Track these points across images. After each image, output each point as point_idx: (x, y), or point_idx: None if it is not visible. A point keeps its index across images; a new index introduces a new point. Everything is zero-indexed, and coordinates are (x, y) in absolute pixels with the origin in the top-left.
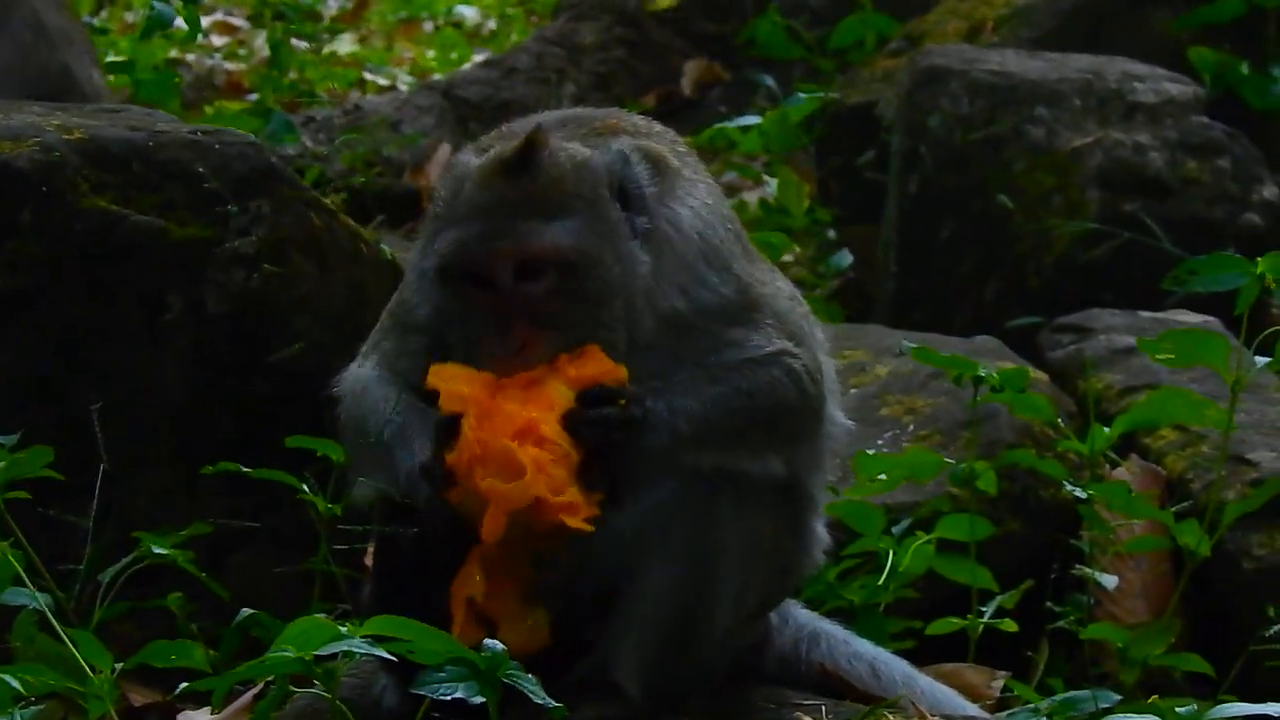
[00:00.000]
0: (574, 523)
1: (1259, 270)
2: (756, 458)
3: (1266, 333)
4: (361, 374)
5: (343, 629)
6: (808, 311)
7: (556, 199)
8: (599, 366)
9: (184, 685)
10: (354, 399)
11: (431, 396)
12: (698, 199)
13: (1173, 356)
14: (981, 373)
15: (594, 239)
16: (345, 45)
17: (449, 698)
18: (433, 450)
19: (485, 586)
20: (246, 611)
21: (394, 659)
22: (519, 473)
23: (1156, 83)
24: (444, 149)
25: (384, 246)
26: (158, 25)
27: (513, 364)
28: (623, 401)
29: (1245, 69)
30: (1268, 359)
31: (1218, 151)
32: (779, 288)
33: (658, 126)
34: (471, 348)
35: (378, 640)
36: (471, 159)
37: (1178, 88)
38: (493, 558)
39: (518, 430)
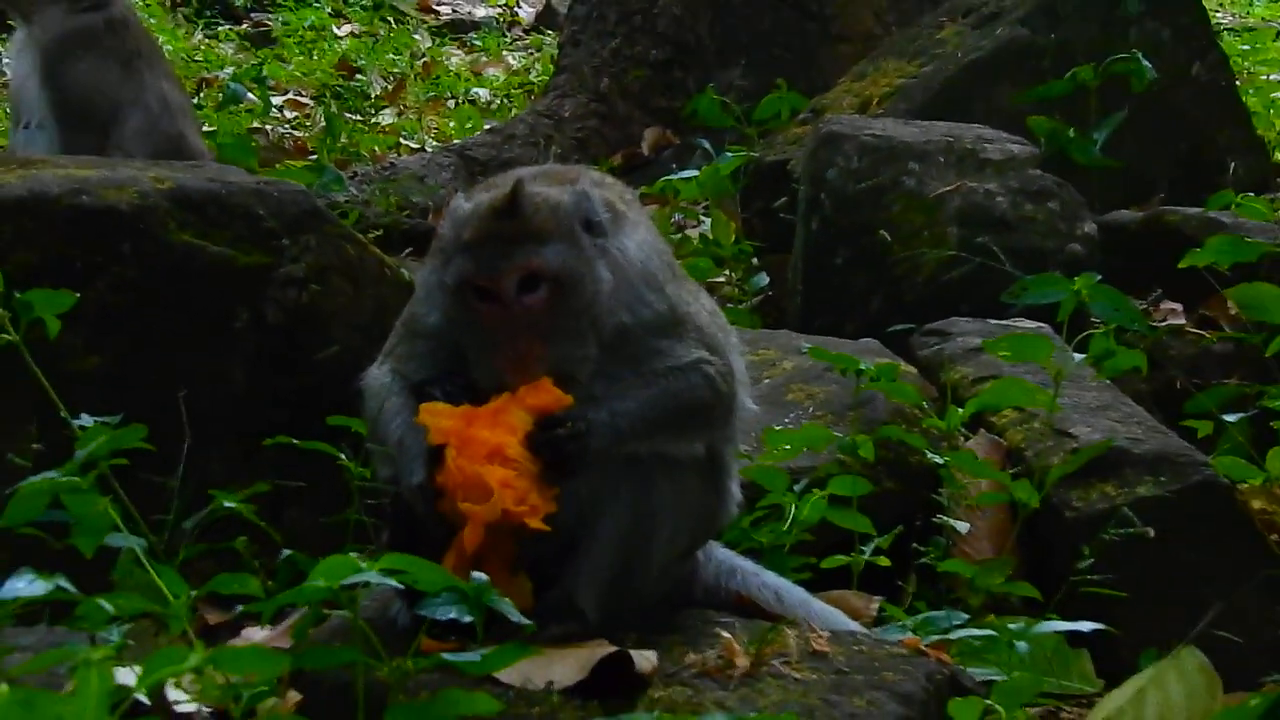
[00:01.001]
0: (534, 524)
1: (1076, 287)
2: (682, 444)
3: (1082, 335)
4: (378, 376)
5: (362, 565)
6: (725, 323)
7: (543, 231)
8: (549, 396)
9: (240, 608)
10: (372, 399)
11: (426, 395)
12: (640, 235)
13: (1009, 354)
14: (863, 366)
15: (575, 261)
16: (387, 118)
17: (445, 618)
18: (425, 473)
19: (472, 564)
20: (287, 552)
21: (403, 588)
22: (489, 493)
23: (1002, 144)
24: (458, 197)
25: (403, 270)
26: (231, 100)
27: (517, 371)
28: (569, 424)
29: (1072, 133)
30: (1083, 355)
31: (1049, 197)
32: (701, 305)
33: (609, 179)
34: (479, 353)
35: (390, 573)
36: (464, 204)
37: (1019, 147)
38: (480, 544)
39: (489, 452)
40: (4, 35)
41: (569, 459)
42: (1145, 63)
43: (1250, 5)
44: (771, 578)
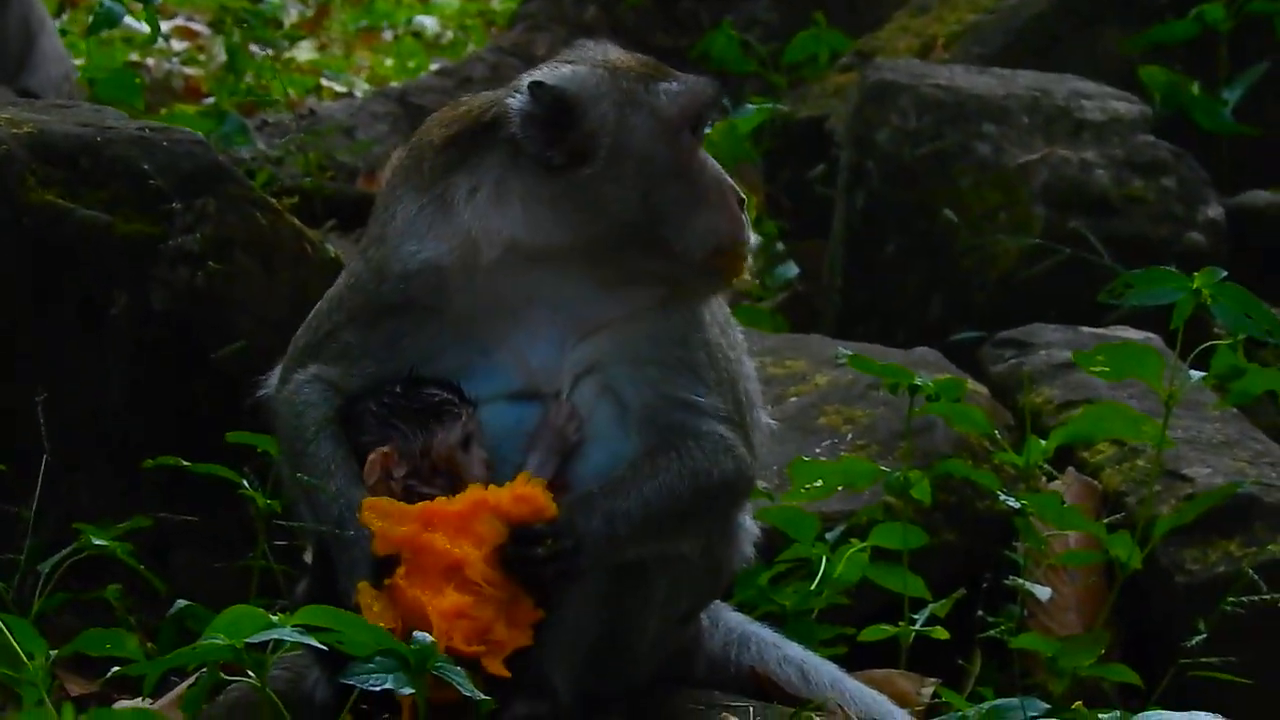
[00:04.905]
0: (492, 667)
1: (1195, 285)
2: (695, 538)
3: (1201, 347)
4: (299, 389)
5: (274, 618)
6: (736, 338)
7: None
8: (531, 506)
9: (115, 670)
10: (291, 429)
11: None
12: None
13: (1107, 369)
14: (918, 382)
15: None
16: (305, 52)
17: (378, 689)
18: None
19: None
20: (182, 603)
21: (326, 650)
22: (429, 630)
23: (1104, 101)
24: (398, 155)
25: (329, 246)
26: (104, 23)
27: (740, 220)
28: (551, 540)
29: (1196, 90)
30: (1202, 373)
31: (1163, 170)
32: (712, 316)
33: None
34: (682, 214)
35: (309, 630)
36: (580, 66)
37: (1125, 106)
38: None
39: (446, 566)
40: None
41: (548, 583)
42: None
43: None
44: (796, 651)
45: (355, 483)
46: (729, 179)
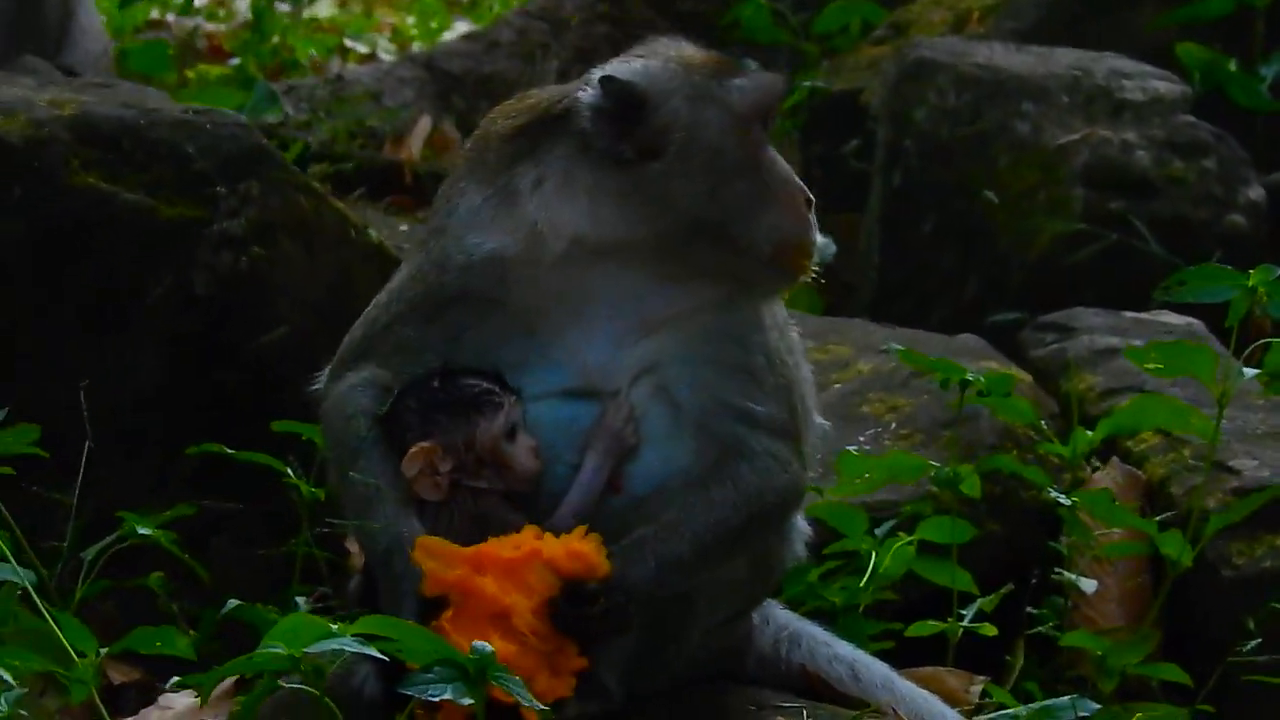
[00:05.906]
0: (531, 717)
1: (1251, 283)
2: (745, 557)
3: (1255, 345)
4: (350, 393)
5: (333, 627)
6: (794, 341)
7: None
8: (584, 564)
9: (175, 679)
10: (339, 433)
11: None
12: None
13: (1161, 367)
14: (969, 376)
15: None
16: (324, 9)
17: (437, 699)
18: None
19: None
20: (234, 602)
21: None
22: None
23: (1144, 80)
24: (425, 121)
25: (371, 231)
26: None
27: (806, 216)
28: (604, 599)
29: (1233, 67)
30: (1255, 370)
31: (1204, 152)
32: (775, 319)
33: None
34: (748, 211)
35: (367, 639)
36: (652, 60)
37: (1165, 85)
38: None
39: (493, 613)
40: None
41: (598, 639)
42: None
43: None
44: (846, 649)
45: (404, 511)
46: (796, 177)
